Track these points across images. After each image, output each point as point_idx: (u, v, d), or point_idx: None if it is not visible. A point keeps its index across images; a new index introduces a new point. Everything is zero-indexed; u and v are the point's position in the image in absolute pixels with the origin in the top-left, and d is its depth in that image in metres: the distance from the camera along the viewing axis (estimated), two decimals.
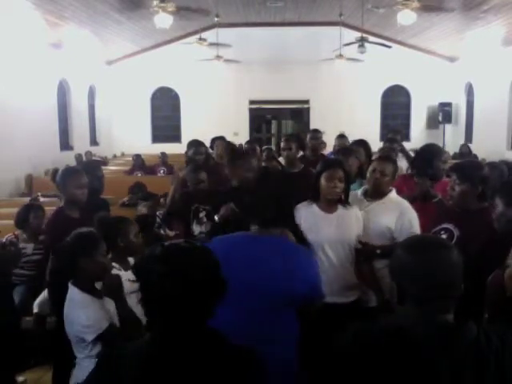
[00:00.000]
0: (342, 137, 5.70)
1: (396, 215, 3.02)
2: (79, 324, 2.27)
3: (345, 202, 3.01)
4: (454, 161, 8.35)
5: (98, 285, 2.46)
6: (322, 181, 2.94)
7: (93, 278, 2.41)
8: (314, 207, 3.00)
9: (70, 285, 2.39)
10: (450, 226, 2.75)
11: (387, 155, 3.39)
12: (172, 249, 1.42)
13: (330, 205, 2.98)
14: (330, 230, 2.92)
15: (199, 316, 1.38)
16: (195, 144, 4.89)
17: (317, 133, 5.26)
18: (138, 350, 1.41)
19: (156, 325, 1.41)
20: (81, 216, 3.35)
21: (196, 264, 1.38)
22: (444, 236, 2.69)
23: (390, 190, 3.16)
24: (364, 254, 3.03)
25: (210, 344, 1.37)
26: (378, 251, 2.99)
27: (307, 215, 2.95)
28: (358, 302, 3.00)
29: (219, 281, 1.40)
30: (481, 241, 2.42)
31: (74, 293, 2.36)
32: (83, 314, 2.29)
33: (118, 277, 2.45)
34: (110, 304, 2.41)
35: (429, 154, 3.80)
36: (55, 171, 3.83)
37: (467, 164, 2.99)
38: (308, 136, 5.26)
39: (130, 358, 1.38)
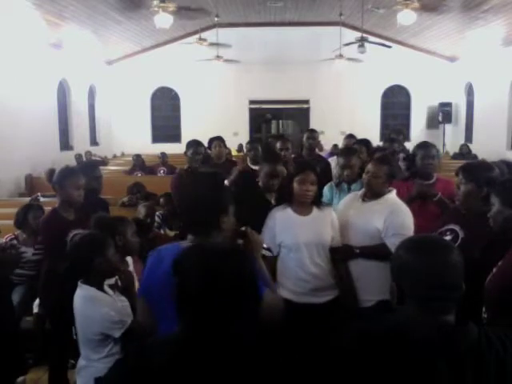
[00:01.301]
0: (350, 137, 5.67)
1: (384, 215, 3.01)
2: (108, 320, 2.27)
3: (318, 203, 3.06)
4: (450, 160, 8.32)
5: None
6: (295, 184, 2.98)
7: (104, 277, 2.44)
8: (289, 210, 3.04)
9: (81, 284, 2.40)
10: (455, 227, 2.71)
11: (382, 157, 3.38)
12: (211, 251, 1.43)
13: (304, 207, 3.03)
14: (306, 232, 2.96)
15: (229, 317, 1.37)
16: (194, 144, 4.89)
17: (314, 132, 5.27)
18: (162, 349, 1.40)
19: (184, 323, 1.40)
20: (76, 217, 3.30)
21: (233, 268, 1.37)
22: (449, 237, 2.66)
23: (390, 191, 3.15)
24: (341, 253, 3.06)
25: (237, 346, 1.36)
26: (357, 250, 3.01)
27: (282, 218, 3.01)
28: (333, 302, 3.03)
29: (253, 285, 1.41)
30: (485, 243, 2.39)
31: (91, 291, 2.36)
32: (112, 310, 2.29)
33: (130, 274, 2.46)
34: (120, 302, 2.43)
35: (412, 153, 3.82)
36: (51, 171, 3.79)
37: (475, 164, 2.94)
38: (305, 136, 5.26)
39: (156, 356, 1.38)
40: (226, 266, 1.37)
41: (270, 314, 1.84)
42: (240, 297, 1.37)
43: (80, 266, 2.41)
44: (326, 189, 3.97)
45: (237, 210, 1.99)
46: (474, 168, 2.81)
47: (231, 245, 1.51)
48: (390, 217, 3.00)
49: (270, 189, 3.39)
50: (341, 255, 3.07)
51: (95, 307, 2.31)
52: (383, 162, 3.17)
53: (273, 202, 3.38)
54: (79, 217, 3.30)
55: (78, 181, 3.27)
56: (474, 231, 2.58)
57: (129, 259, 2.89)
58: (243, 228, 2.04)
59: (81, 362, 2.41)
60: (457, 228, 2.70)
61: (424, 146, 3.84)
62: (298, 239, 2.96)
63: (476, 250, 2.34)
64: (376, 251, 2.97)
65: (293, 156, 4.78)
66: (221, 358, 1.32)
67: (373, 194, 3.14)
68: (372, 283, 3.01)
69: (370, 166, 3.16)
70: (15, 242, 4.29)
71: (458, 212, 2.84)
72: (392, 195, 3.15)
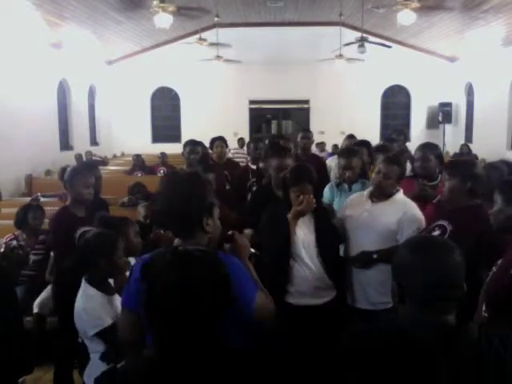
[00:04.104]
0: (351, 137, 5.66)
1: (399, 216, 3.00)
2: (82, 318, 2.33)
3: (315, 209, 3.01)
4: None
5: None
6: (292, 194, 2.97)
7: (108, 276, 2.48)
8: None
9: (83, 281, 2.45)
10: (444, 222, 2.77)
11: (393, 157, 3.33)
12: (183, 257, 1.37)
13: None
14: (304, 232, 2.96)
15: (202, 328, 1.32)
16: (190, 144, 4.92)
17: (307, 132, 5.36)
18: (137, 368, 1.37)
19: (156, 336, 1.35)
20: (86, 215, 3.37)
21: (205, 276, 1.31)
22: (437, 232, 2.71)
23: (397, 191, 3.13)
24: (359, 261, 3.04)
25: (215, 352, 1.32)
26: (375, 256, 2.99)
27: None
28: (332, 303, 3.02)
29: (226, 294, 1.35)
30: (472, 236, 2.45)
31: (86, 288, 2.42)
32: (90, 308, 2.34)
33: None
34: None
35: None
36: (63, 169, 3.88)
37: (458, 161, 3.04)
38: (299, 135, 5.31)
39: (131, 376, 1.35)
40: (198, 268, 1.32)
41: (263, 314, 1.83)
42: (213, 301, 1.31)
43: (86, 263, 2.45)
44: (326, 189, 3.97)
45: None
46: (457, 164, 2.90)
47: (206, 248, 1.46)
48: (404, 218, 2.99)
49: (280, 183, 3.36)
50: (359, 263, 3.04)
51: (80, 303, 2.38)
52: (394, 163, 3.13)
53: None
54: (89, 214, 3.35)
55: (87, 179, 3.40)
56: (462, 225, 2.63)
57: (132, 260, 2.88)
58: (230, 232, 2.01)
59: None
60: (445, 223, 2.74)
61: (420, 147, 3.85)
62: (296, 239, 2.95)
63: (464, 243, 2.36)
64: (393, 254, 2.92)
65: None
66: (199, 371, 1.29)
67: (382, 194, 3.12)
68: (388, 286, 2.93)
69: (381, 166, 3.11)
70: (15, 242, 4.29)
71: (445, 209, 2.88)
72: (401, 195, 3.13)
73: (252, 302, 1.78)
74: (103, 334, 2.30)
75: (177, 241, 1.88)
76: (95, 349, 2.36)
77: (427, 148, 3.80)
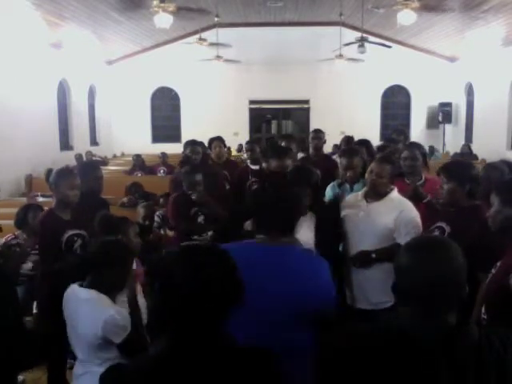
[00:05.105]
0: (349, 142, 5.62)
1: (395, 215, 3.00)
2: (112, 324, 2.15)
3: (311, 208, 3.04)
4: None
5: None
6: None
7: (107, 286, 2.36)
8: None
9: (80, 287, 2.33)
10: (442, 224, 2.80)
11: (385, 156, 3.36)
12: (192, 249, 1.40)
13: None
14: (303, 231, 2.94)
15: (214, 320, 1.33)
16: (191, 144, 4.91)
17: (319, 132, 5.22)
18: (146, 364, 1.36)
19: (168, 331, 1.35)
20: (72, 218, 3.29)
21: (215, 266, 1.34)
22: (436, 233, 2.74)
23: (391, 190, 3.14)
24: (358, 260, 3.05)
25: (226, 351, 1.33)
26: (373, 255, 3.00)
27: None
28: None
29: (237, 283, 1.37)
30: (470, 236, 2.45)
31: (92, 293, 2.25)
32: (117, 313, 2.18)
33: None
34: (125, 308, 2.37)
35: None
36: (49, 171, 3.82)
37: (454, 163, 3.09)
38: (310, 136, 5.23)
39: (134, 375, 1.35)
40: (205, 260, 1.34)
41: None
42: (226, 296, 1.33)
43: (89, 267, 2.33)
44: (328, 189, 3.96)
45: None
46: (454, 167, 2.91)
47: (214, 244, 1.52)
48: (401, 216, 2.99)
49: None
50: (358, 262, 3.05)
51: (100, 310, 2.19)
52: (387, 162, 3.15)
53: None
54: (75, 217, 3.29)
55: (72, 181, 3.26)
56: (460, 225, 2.66)
57: None
58: None
59: (78, 369, 2.30)
60: (443, 225, 2.78)
61: (408, 146, 3.95)
62: None
63: (462, 243, 2.39)
64: (391, 253, 2.94)
65: (302, 155, 4.78)
66: (213, 372, 1.29)
67: (376, 194, 3.12)
68: (388, 285, 2.97)
69: (373, 166, 3.14)
70: (14, 241, 4.28)
71: (444, 210, 2.92)
72: (395, 194, 3.14)
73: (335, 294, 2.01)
74: (127, 342, 2.16)
75: (262, 237, 2.01)
76: (104, 358, 2.20)
77: (415, 147, 3.91)
